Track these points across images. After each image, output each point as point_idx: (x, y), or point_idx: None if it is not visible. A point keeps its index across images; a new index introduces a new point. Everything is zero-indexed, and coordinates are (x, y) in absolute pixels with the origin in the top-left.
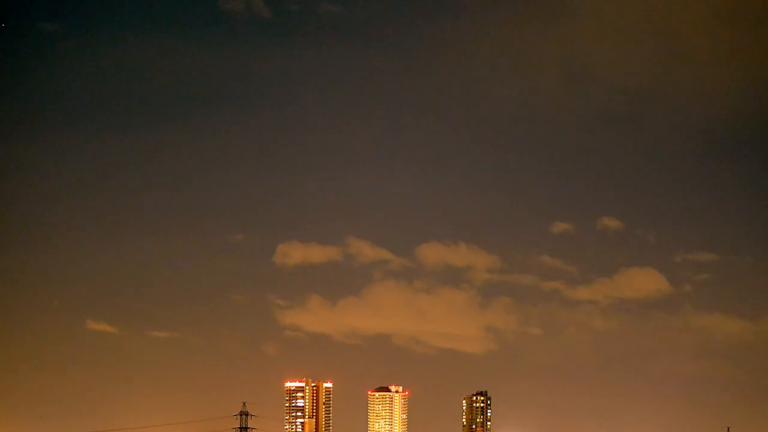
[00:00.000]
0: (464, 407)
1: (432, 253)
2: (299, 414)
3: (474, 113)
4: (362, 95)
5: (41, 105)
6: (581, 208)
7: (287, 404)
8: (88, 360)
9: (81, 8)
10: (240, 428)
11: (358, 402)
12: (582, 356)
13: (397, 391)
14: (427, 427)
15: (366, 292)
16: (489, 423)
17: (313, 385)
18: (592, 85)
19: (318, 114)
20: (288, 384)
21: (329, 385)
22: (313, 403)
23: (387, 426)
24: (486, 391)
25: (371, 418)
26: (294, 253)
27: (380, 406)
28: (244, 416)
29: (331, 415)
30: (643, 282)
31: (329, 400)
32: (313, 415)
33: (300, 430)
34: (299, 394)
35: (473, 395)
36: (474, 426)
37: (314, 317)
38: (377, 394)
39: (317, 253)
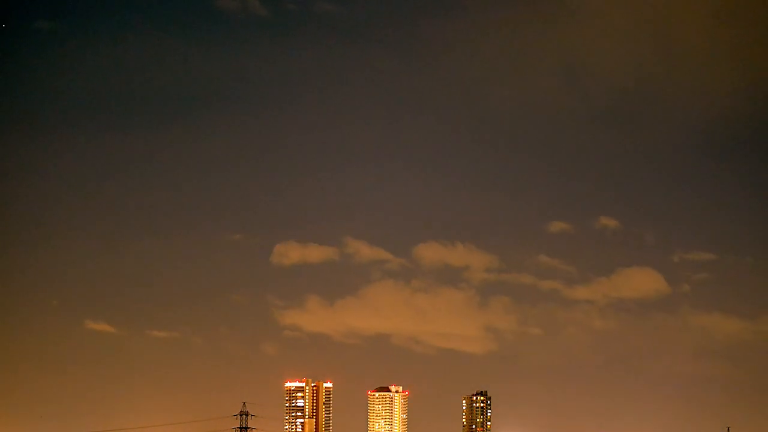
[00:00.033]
0: (464, 407)
1: (430, 253)
2: (299, 414)
3: (472, 113)
4: (360, 95)
5: (36, 104)
6: (579, 208)
7: (287, 404)
8: (87, 360)
9: (78, 7)
10: (240, 428)
11: (358, 402)
12: (582, 356)
13: (397, 391)
14: (427, 427)
15: (364, 292)
16: (489, 423)
17: (313, 385)
18: (590, 84)
19: (315, 114)
20: (288, 384)
21: (329, 385)
22: (313, 403)
23: (387, 426)
24: (486, 391)
25: (371, 418)
26: (291, 253)
27: (380, 406)
28: (244, 416)
29: (331, 415)
30: (642, 282)
31: (329, 400)
32: (313, 415)
33: (300, 430)
34: (299, 394)
35: (473, 395)
36: (474, 426)
37: (313, 317)
38: (377, 394)
39: (315, 253)
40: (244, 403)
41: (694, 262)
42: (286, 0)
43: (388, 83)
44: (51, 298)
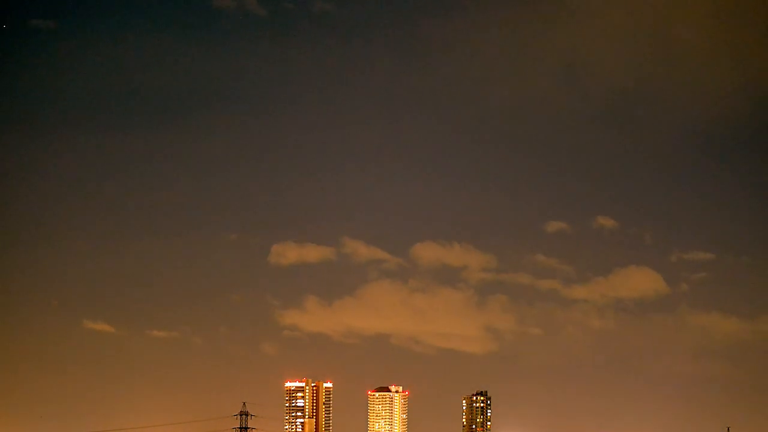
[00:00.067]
0: (464, 407)
1: (427, 253)
2: (299, 414)
3: (470, 113)
4: (357, 96)
5: (36, 104)
6: (577, 208)
7: (287, 404)
8: (87, 360)
9: (73, 5)
10: (240, 428)
11: (358, 402)
12: (581, 356)
13: (397, 391)
14: (427, 427)
15: (362, 292)
16: (489, 423)
17: (313, 385)
18: (588, 84)
19: (312, 114)
20: (288, 384)
21: (329, 385)
22: (313, 403)
23: (387, 426)
24: (486, 391)
25: (371, 418)
26: (289, 253)
27: (380, 406)
28: (244, 416)
29: (331, 415)
30: (640, 282)
31: (329, 400)
32: (313, 415)
33: (300, 430)
34: (299, 394)
35: (473, 395)
36: (474, 426)
37: (312, 317)
38: (377, 394)
39: (312, 253)
40: (244, 403)
41: (692, 261)
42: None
43: (387, 83)
44: (50, 297)
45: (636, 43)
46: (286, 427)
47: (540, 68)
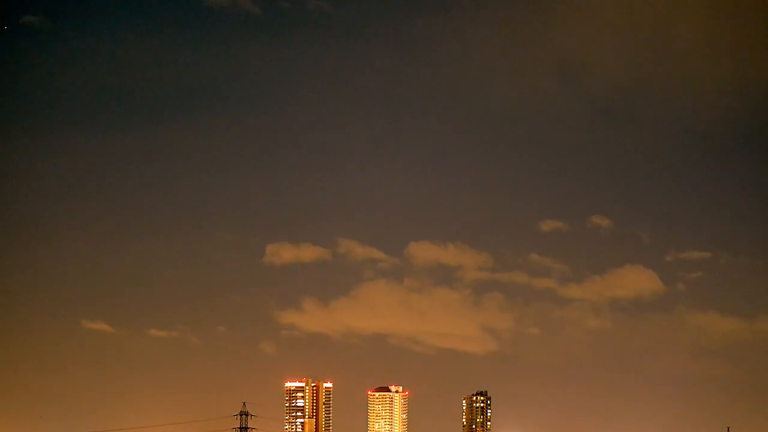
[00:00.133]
0: (464, 407)
1: (422, 252)
2: (299, 414)
3: (465, 112)
4: (353, 96)
5: (35, 104)
6: (572, 207)
7: (287, 404)
8: (86, 359)
9: (73, 5)
10: (240, 428)
11: (358, 402)
12: (581, 356)
13: (397, 391)
14: (427, 427)
15: (359, 292)
16: (489, 423)
17: (313, 385)
18: (585, 83)
19: (306, 114)
20: (288, 384)
21: (329, 385)
22: (313, 403)
23: (387, 426)
24: (486, 391)
25: (371, 418)
26: (284, 253)
27: (380, 406)
28: (244, 416)
29: (331, 415)
30: (637, 281)
31: (329, 400)
32: (313, 415)
33: (300, 430)
34: (299, 394)
35: (473, 395)
36: (474, 426)
37: (310, 317)
38: (377, 394)
39: (307, 253)
40: (244, 403)
41: (688, 261)
42: None
43: (383, 84)
44: (49, 297)
45: (629, 41)
46: (286, 427)
47: (537, 67)
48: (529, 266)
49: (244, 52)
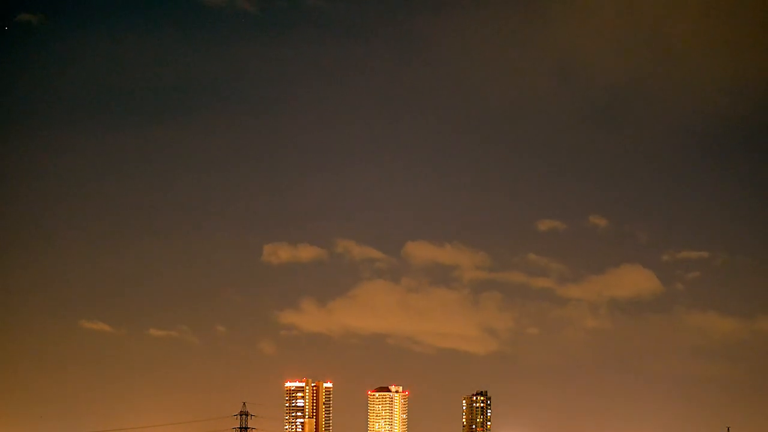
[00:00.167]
0: (464, 407)
1: (419, 252)
2: (299, 414)
3: (462, 112)
4: (350, 95)
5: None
6: (569, 207)
7: (287, 404)
8: (85, 359)
9: (72, 4)
10: (240, 428)
11: (358, 402)
12: (581, 356)
13: (397, 391)
14: (427, 427)
15: (356, 292)
16: (489, 423)
17: (313, 385)
18: (582, 83)
19: (303, 114)
20: (288, 384)
21: (329, 385)
22: (313, 403)
23: (387, 426)
24: (486, 391)
25: (371, 418)
26: (282, 253)
27: (380, 406)
28: (244, 416)
29: (331, 415)
30: (635, 280)
31: (329, 400)
32: (313, 415)
33: (300, 430)
34: (299, 394)
35: (473, 395)
36: (474, 426)
37: (309, 317)
38: (377, 394)
39: (304, 253)
40: (244, 403)
41: (686, 260)
42: None
43: (381, 83)
44: (48, 297)
45: (626, 41)
46: (286, 427)
47: (532, 67)
48: (527, 266)
49: (241, 51)
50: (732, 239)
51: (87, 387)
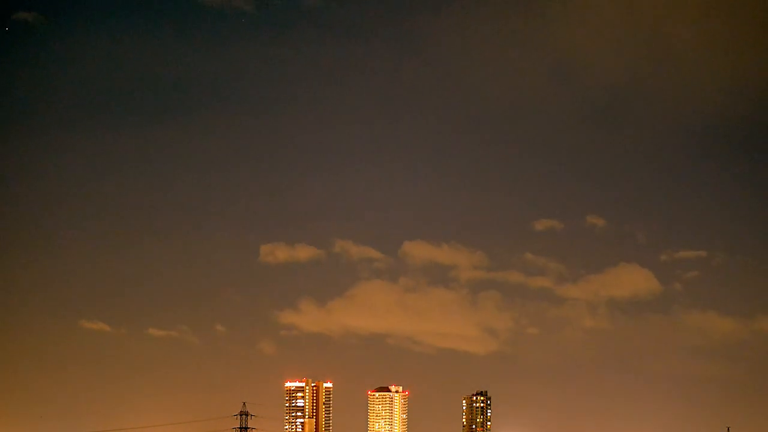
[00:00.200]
0: (464, 407)
1: (417, 251)
2: (299, 414)
3: (461, 112)
4: (348, 95)
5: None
6: (566, 206)
7: (287, 404)
8: (85, 359)
9: (71, 4)
10: (240, 428)
11: (358, 402)
12: (581, 356)
13: (397, 391)
14: (427, 427)
15: (355, 292)
16: (489, 423)
17: (313, 385)
18: (581, 83)
19: (303, 114)
20: (288, 384)
21: (329, 385)
22: (313, 403)
23: (387, 426)
24: (486, 391)
25: (371, 418)
26: (279, 253)
27: (380, 406)
28: (244, 416)
29: (331, 415)
30: (633, 280)
31: (329, 400)
32: (313, 415)
33: (300, 430)
34: (299, 394)
35: (473, 395)
36: (474, 426)
37: (308, 317)
38: (377, 394)
39: (302, 253)
40: (244, 403)
41: (684, 260)
42: None
43: (380, 83)
44: (48, 297)
45: (624, 41)
46: (286, 427)
47: (534, 67)
48: (524, 265)
49: (241, 51)
50: (731, 239)
51: (87, 387)
